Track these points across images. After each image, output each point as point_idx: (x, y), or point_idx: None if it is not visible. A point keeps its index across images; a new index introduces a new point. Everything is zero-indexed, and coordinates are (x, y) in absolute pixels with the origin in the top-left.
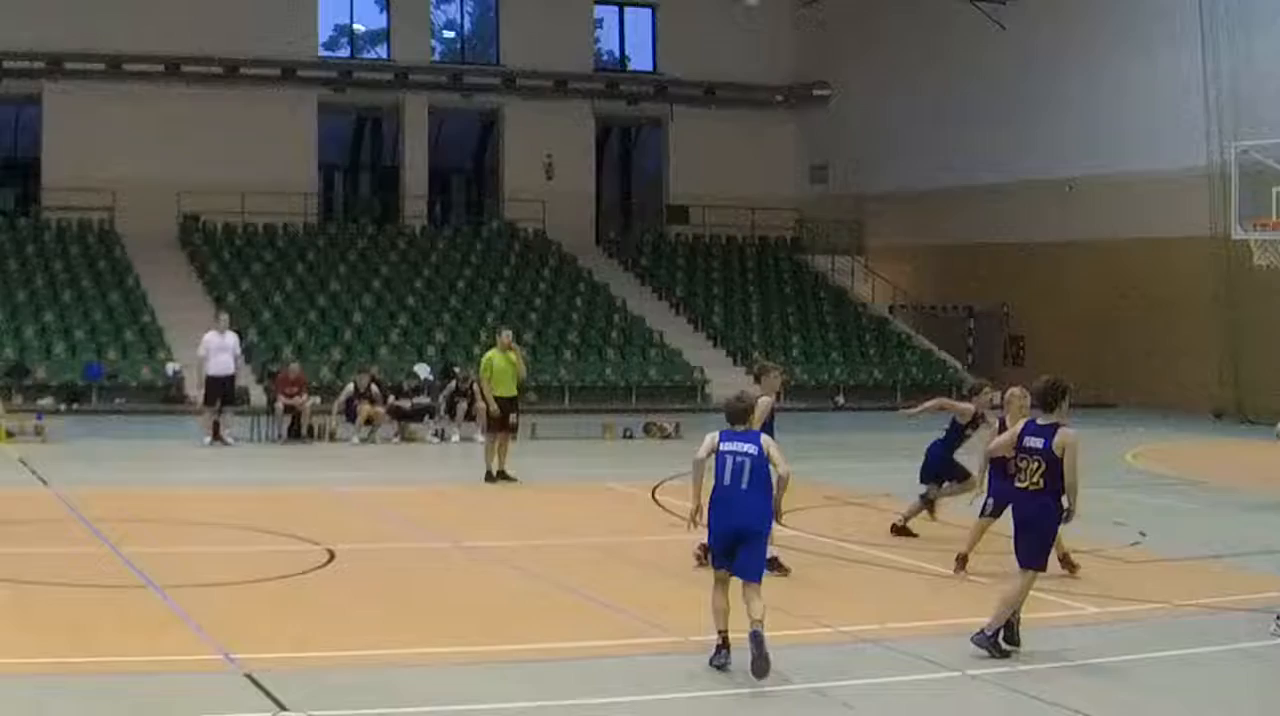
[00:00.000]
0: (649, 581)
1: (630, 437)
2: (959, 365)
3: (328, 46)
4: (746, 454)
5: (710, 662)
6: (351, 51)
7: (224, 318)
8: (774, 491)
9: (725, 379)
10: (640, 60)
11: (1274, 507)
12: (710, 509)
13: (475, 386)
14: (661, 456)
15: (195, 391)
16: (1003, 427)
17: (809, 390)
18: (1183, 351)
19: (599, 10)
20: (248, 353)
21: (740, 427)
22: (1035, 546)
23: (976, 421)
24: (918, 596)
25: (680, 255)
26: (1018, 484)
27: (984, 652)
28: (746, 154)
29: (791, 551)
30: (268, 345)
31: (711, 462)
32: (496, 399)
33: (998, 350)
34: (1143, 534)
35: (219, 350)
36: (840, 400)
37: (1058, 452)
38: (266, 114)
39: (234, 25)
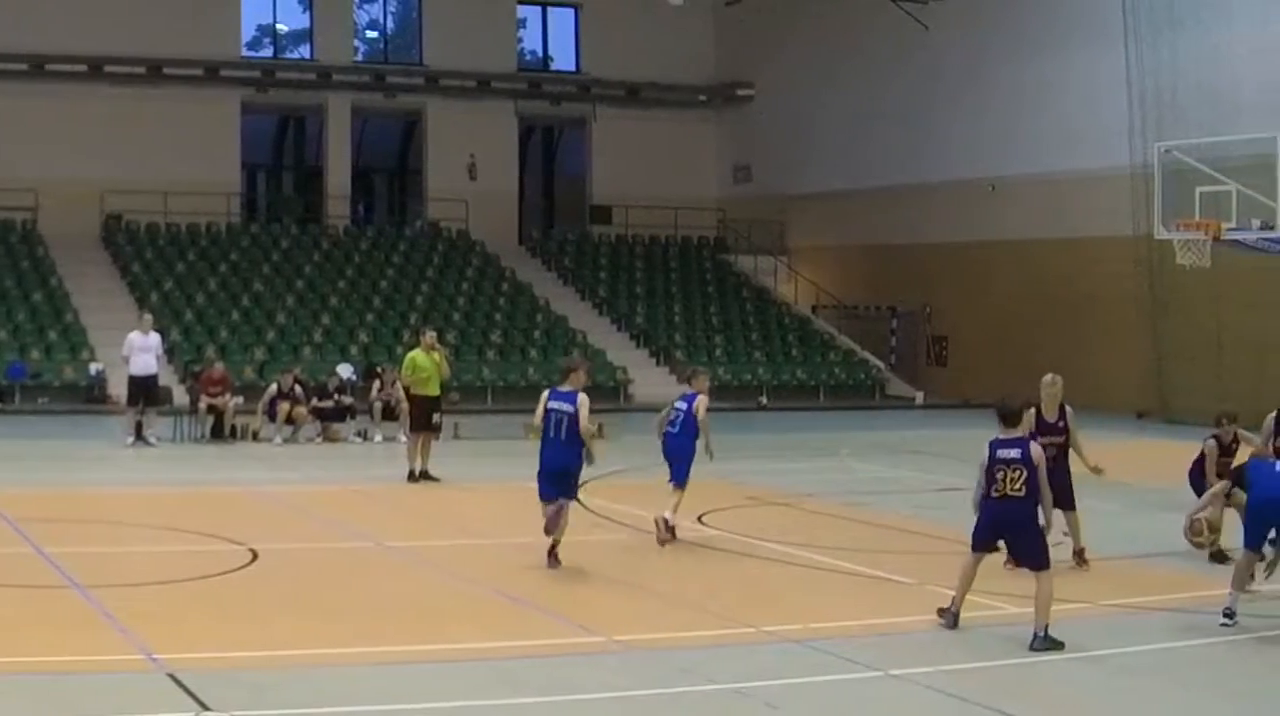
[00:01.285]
0: (572, 581)
1: None
2: (882, 365)
3: (251, 47)
4: (565, 412)
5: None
6: (274, 52)
7: (147, 318)
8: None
9: (648, 378)
10: (563, 60)
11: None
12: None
13: (398, 386)
14: None
15: (118, 391)
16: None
17: (732, 390)
18: (1106, 351)
19: (522, 10)
20: (170, 352)
21: (565, 389)
22: (1040, 546)
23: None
24: (840, 597)
25: (603, 255)
26: (994, 494)
27: (1042, 652)
28: (669, 154)
29: (715, 551)
30: (191, 345)
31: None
32: (420, 399)
33: (920, 350)
34: (1065, 534)
35: (142, 350)
36: (764, 400)
37: (1036, 462)
38: (190, 114)
39: (157, 25)
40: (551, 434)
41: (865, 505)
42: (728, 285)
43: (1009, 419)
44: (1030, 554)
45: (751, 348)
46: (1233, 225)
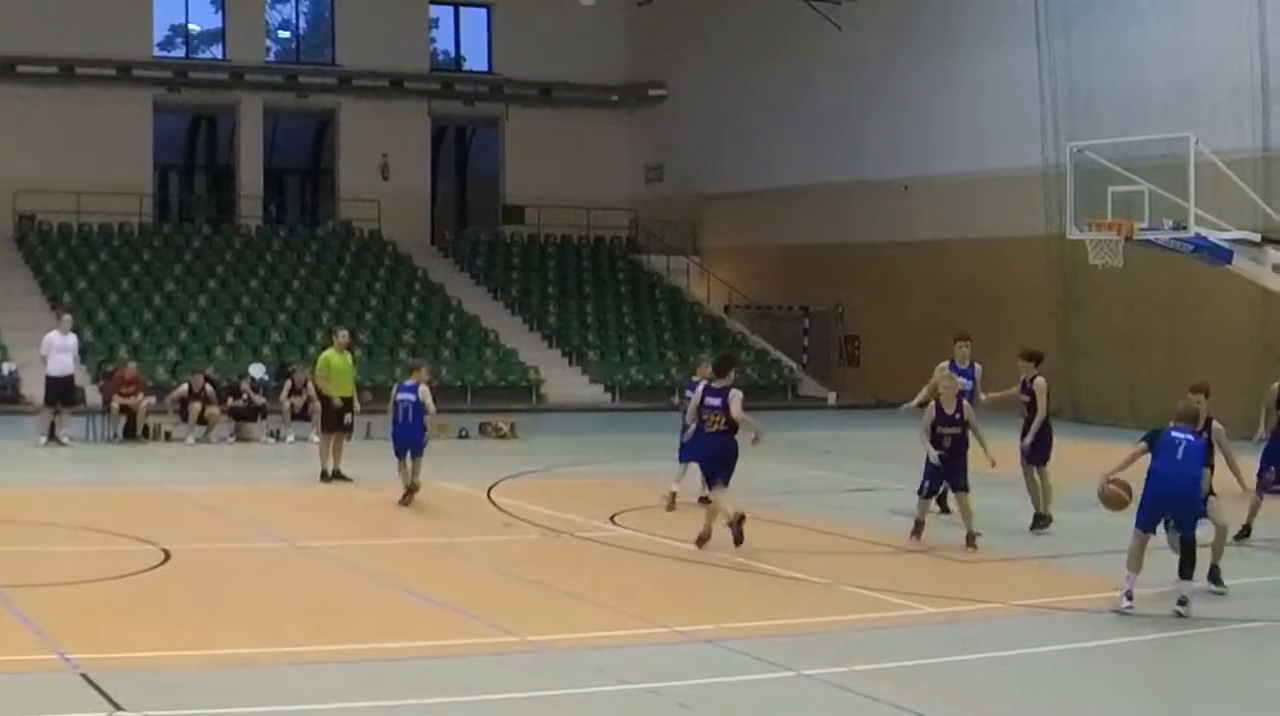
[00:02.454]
0: (485, 581)
1: (466, 437)
2: (794, 365)
3: (163, 46)
4: (409, 401)
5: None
6: (187, 51)
7: (66, 318)
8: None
9: (561, 378)
10: (476, 60)
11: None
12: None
13: (312, 385)
14: (497, 456)
15: (32, 391)
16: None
17: (645, 390)
18: (1017, 351)
19: (434, 10)
20: (84, 353)
21: (410, 381)
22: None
23: None
24: (753, 597)
25: (516, 255)
26: (709, 430)
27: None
28: (582, 154)
29: (628, 551)
30: (103, 345)
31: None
32: (332, 399)
33: (833, 350)
34: (977, 533)
35: (60, 350)
36: (676, 400)
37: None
38: (102, 114)
39: (69, 25)
40: (400, 418)
41: (777, 505)
42: (640, 285)
43: (720, 370)
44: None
45: (664, 348)
46: (1145, 225)
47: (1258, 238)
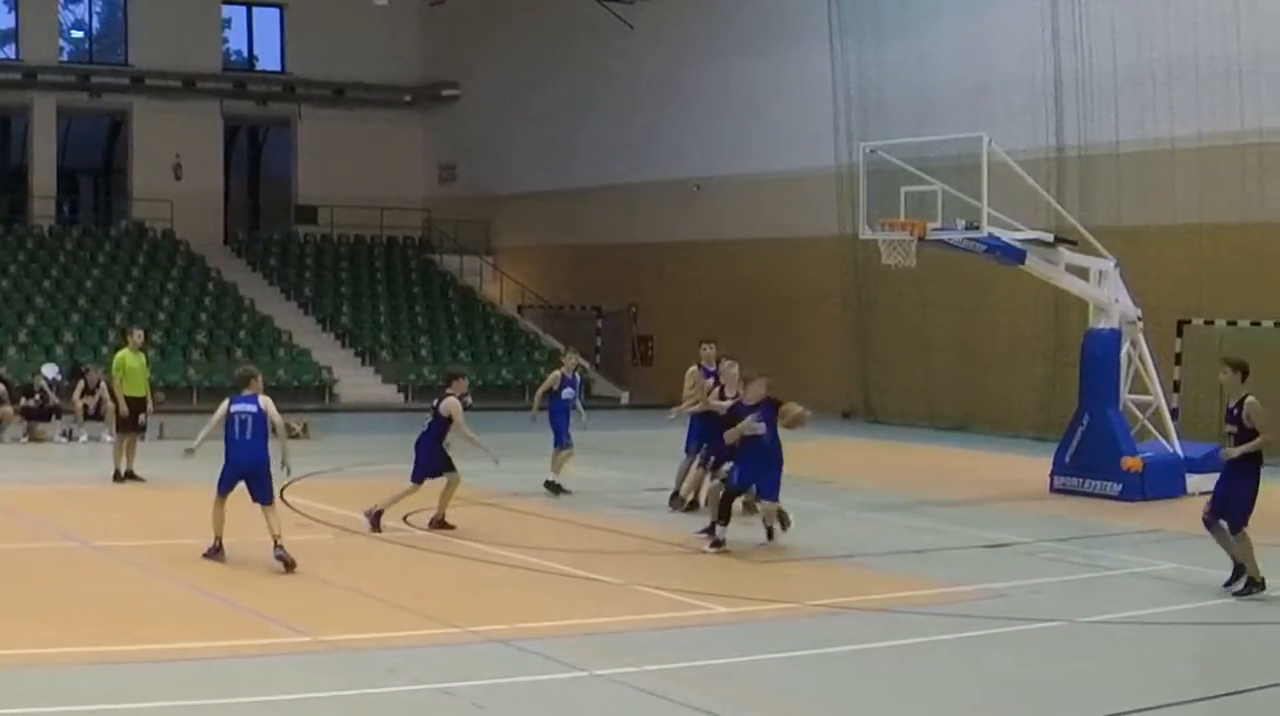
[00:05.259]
0: (279, 581)
1: None
2: (587, 365)
3: None
4: (249, 413)
5: (205, 555)
6: None
7: None
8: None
9: (354, 379)
10: (269, 60)
11: (899, 507)
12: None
13: (105, 385)
14: (290, 456)
15: None
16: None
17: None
18: (812, 351)
19: (227, 10)
20: None
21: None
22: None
23: None
24: (547, 597)
25: (309, 255)
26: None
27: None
28: (375, 154)
29: (422, 551)
30: None
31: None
32: (126, 399)
33: (626, 350)
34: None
35: None
36: (469, 400)
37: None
38: None
39: None
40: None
41: (571, 505)
42: (433, 285)
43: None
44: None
45: (457, 347)
46: (938, 225)
47: (1050, 238)
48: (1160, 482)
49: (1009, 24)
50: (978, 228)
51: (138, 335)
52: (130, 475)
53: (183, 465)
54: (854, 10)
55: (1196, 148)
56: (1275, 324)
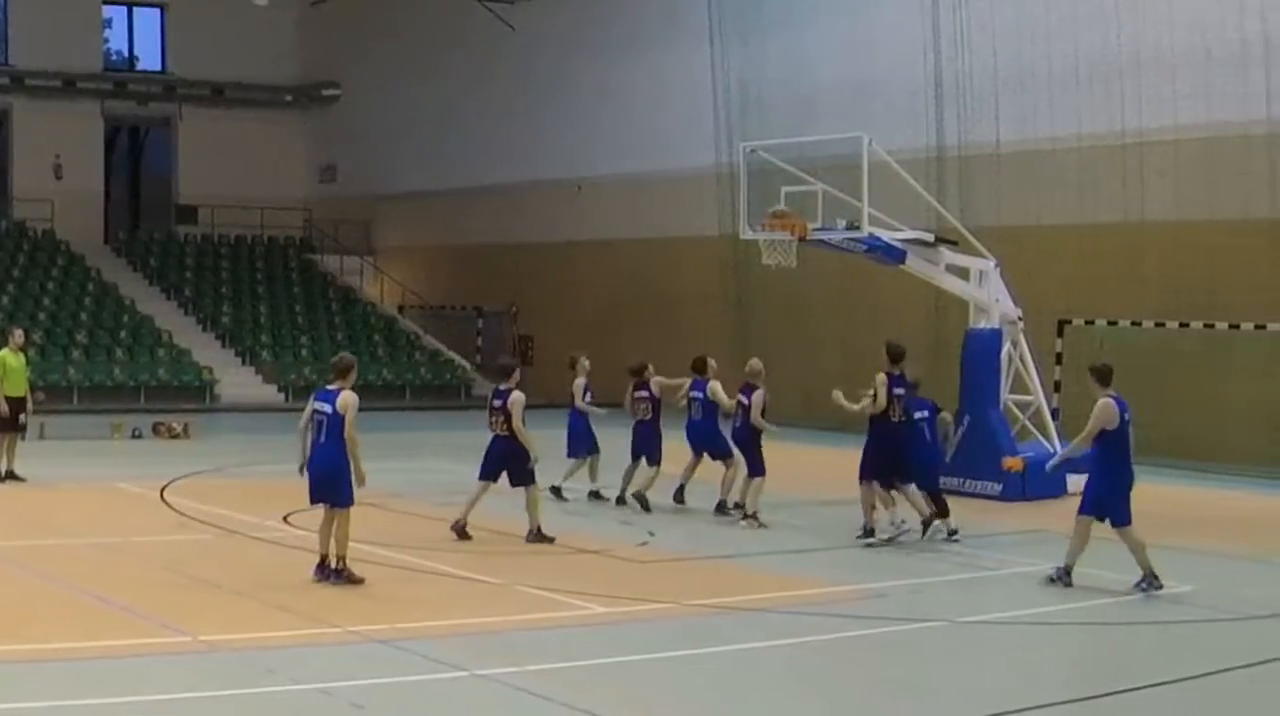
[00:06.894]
0: (159, 581)
1: (140, 437)
2: (468, 365)
3: None
4: (325, 413)
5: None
6: None
7: None
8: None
9: (234, 379)
10: (149, 60)
11: (781, 507)
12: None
13: None
14: (171, 456)
15: None
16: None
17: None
18: (694, 351)
19: (107, 10)
20: None
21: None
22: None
23: None
24: (428, 597)
25: (189, 255)
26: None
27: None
28: (256, 154)
29: (302, 551)
30: None
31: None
32: (6, 399)
33: (507, 350)
34: (651, 533)
35: None
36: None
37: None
38: None
39: None
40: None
41: (453, 505)
42: (314, 285)
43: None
44: None
45: (337, 347)
46: (818, 225)
47: (931, 237)
48: (1041, 482)
49: (890, 23)
50: (858, 228)
51: (18, 335)
52: (10, 475)
53: (63, 464)
54: (735, 9)
55: (1077, 148)
56: (1155, 323)
